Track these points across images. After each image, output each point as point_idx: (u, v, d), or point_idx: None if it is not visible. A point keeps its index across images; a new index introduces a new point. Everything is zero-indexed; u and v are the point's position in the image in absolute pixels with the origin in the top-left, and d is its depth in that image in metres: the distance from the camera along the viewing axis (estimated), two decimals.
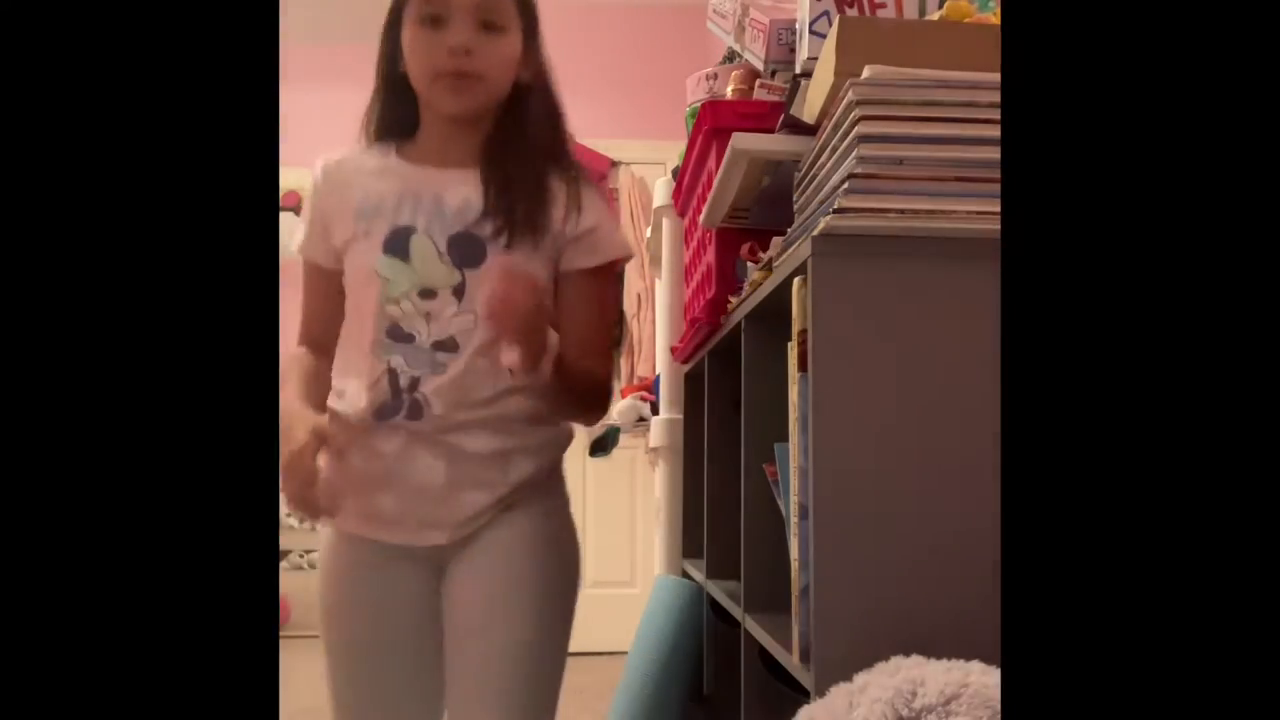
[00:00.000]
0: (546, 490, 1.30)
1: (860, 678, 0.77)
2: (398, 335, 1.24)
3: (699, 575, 1.76)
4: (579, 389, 1.24)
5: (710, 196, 1.51)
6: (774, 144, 1.32)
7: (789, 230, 1.09)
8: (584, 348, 1.25)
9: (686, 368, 2.02)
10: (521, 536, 1.26)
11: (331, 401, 1.30)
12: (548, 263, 1.27)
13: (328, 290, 1.32)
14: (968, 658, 0.77)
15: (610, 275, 1.33)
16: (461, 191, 1.27)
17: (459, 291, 1.24)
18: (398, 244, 1.25)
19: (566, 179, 1.29)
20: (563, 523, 1.32)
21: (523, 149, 1.28)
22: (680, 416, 2.10)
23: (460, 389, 1.22)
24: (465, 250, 1.25)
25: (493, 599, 1.23)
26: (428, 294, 1.24)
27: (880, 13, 1.29)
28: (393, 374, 1.24)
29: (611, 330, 1.38)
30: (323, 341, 1.31)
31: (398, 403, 1.22)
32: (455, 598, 1.25)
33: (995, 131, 0.84)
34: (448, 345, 1.24)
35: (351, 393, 1.25)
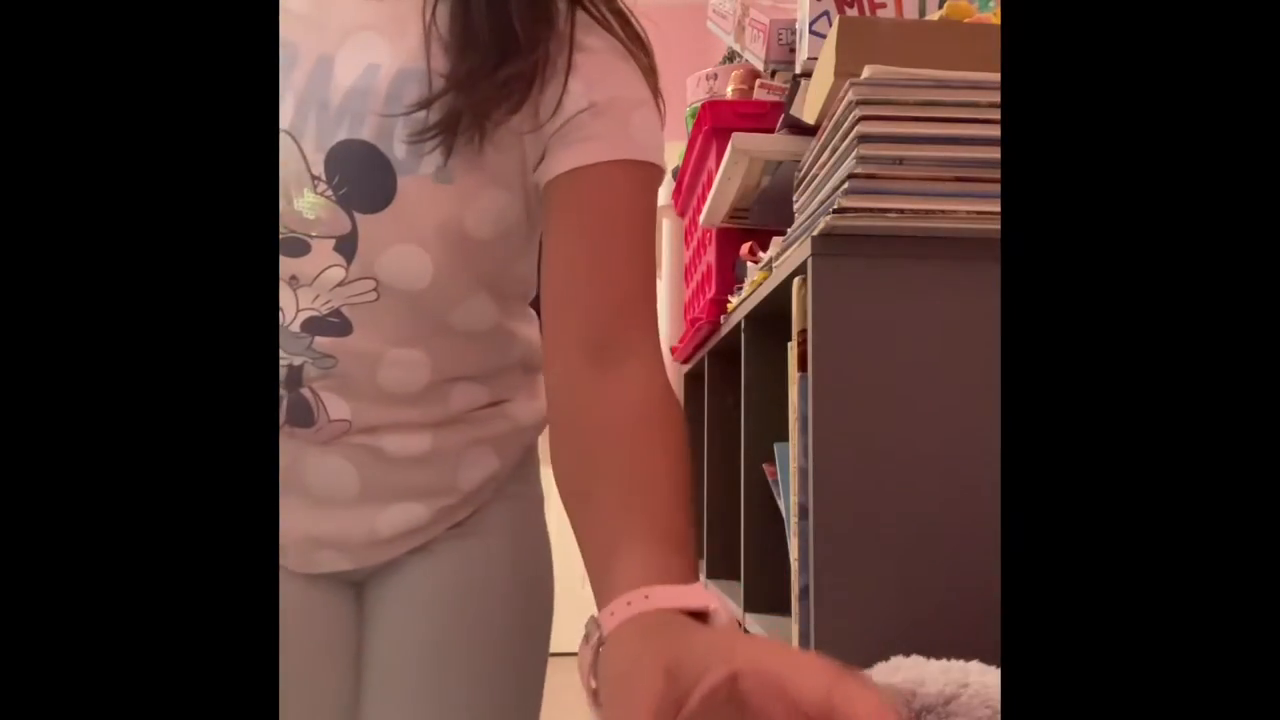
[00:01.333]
0: (518, 493, 0.92)
1: None
2: None
3: (699, 575, 1.76)
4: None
5: (710, 196, 1.51)
6: (774, 144, 1.33)
7: (789, 230, 1.09)
8: (614, 326, 0.72)
9: (686, 368, 2.01)
10: (485, 567, 0.88)
11: None
12: (509, 177, 0.76)
13: None
14: (968, 658, 0.77)
15: (649, 186, 0.77)
16: (367, 50, 0.74)
17: (346, 248, 0.75)
18: None
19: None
20: (537, 540, 0.93)
21: None
22: None
23: (369, 383, 0.80)
24: (359, 175, 0.74)
25: (445, 653, 0.86)
26: (292, 247, 0.75)
27: (880, 13, 1.29)
28: None
29: (653, 291, 0.77)
30: None
31: None
32: (383, 647, 0.87)
33: (995, 131, 0.85)
34: (329, 324, 0.77)
35: None
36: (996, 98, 0.84)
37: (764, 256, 1.29)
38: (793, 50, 1.44)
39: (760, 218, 1.56)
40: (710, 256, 1.65)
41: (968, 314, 0.88)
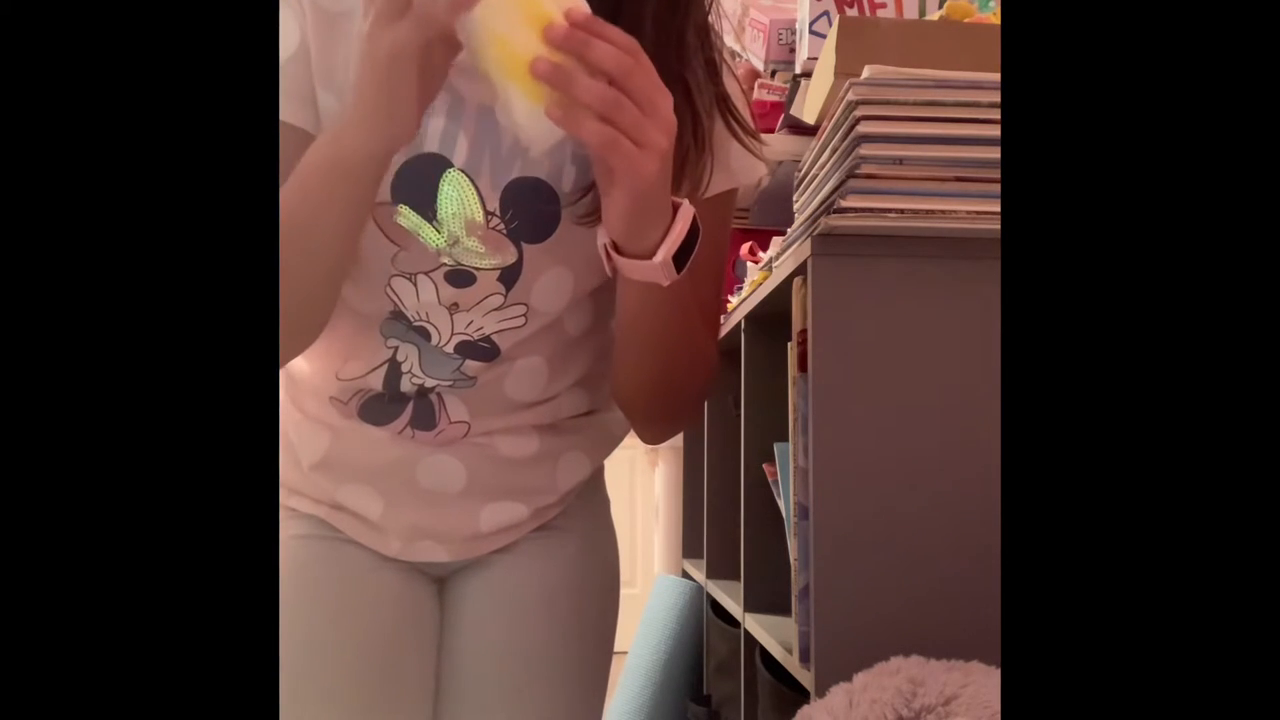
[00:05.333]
0: (592, 498, 1.00)
1: (860, 678, 0.77)
2: (404, 324, 0.83)
3: (699, 575, 1.76)
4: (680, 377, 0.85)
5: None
6: (774, 144, 1.33)
7: (789, 230, 1.09)
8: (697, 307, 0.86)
9: None
10: (565, 567, 0.93)
11: (314, 375, 0.87)
12: None
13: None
14: (968, 658, 0.77)
15: (730, 206, 0.91)
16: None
17: (509, 277, 0.82)
18: (416, 184, 0.77)
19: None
20: (609, 542, 1.01)
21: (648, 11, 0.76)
22: None
23: (497, 393, 0.87)
24: (529, 210, 0.80)
25: (525, 652, 0.91)
26: (458, 278, 0.81)
27: (880, 13, 1.29)
28: (394, 369, 0.85)
29: (723, 286, 0.95)
30: None
31: (397, 404, 0.86)
32: (465, 642, 0.92)
33: (995, 131, 0.84)
34: (480, 349, 0.84)
35: (346, 375, 0.86)
36: (996, 98, 0.84)
37: (764, 256, 1.29)
38: (793, 50, 1.44)
39: (760, 218, 1.57)
40: None
41: (968, 314, 0.87)
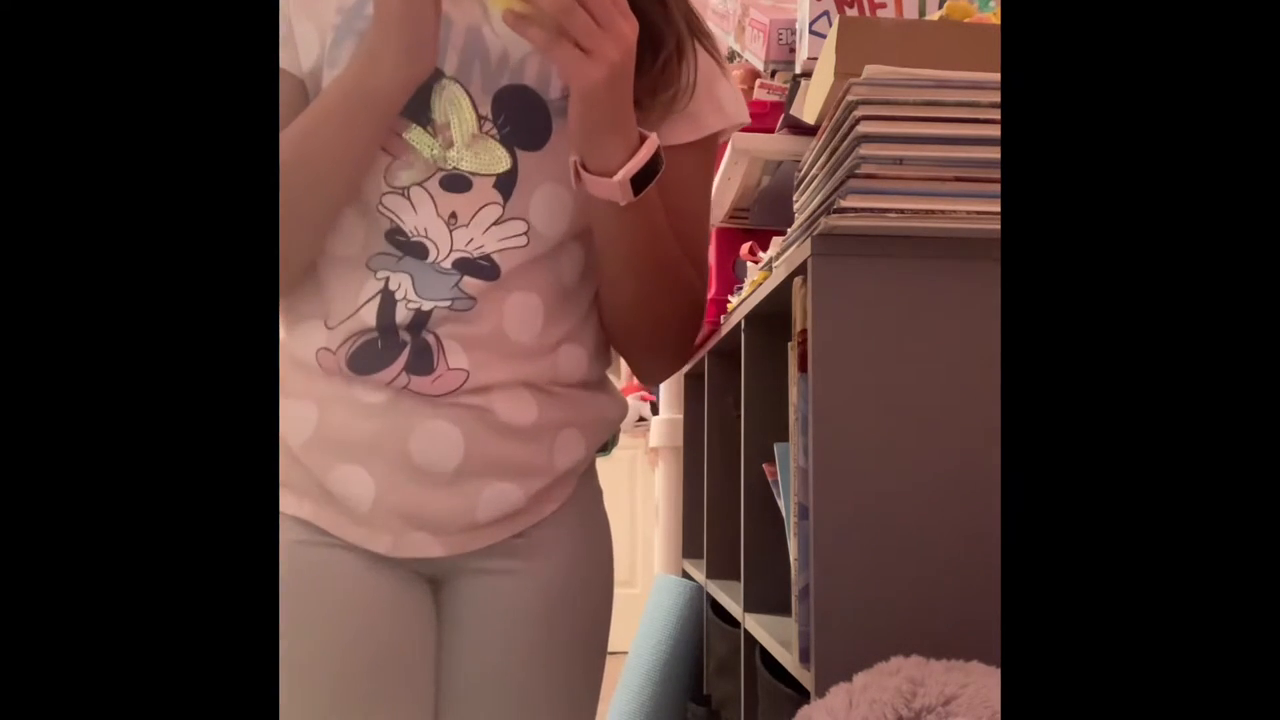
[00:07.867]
0: (586, 491, 0.98)
1: (860, 678, 0.77)
2: (401, 244, 0.83)
3: (699, 575, 1.76)
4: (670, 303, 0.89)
5: (710, 196, 1.51)
6: (774, 144, 1.33)
7: (789, 230, 1.09)
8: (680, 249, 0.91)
9: (686, 368, 2.02)
10: (562, 569, 0.92)
11: (298, 337, 0.85)
12: None
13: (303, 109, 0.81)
14: (968, 658, 0.77)
15: (713, 150, 0.96)
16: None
17: (505, 184, 0.84)
18: (410, 95, 0.81)
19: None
20: (604, 538, 1.00)
21: None
22: (680, 416, 2.10)
23: (497, 333, 0.85)
24: (520, 116, 0.84)
25: (523, 657, 0.90)
26: (455, 183, 0.83)
27: (880, 13, 1.29)
28: (387, 299, 0.82)
29: (708, 227, 1.01)
30: None
31: (392, 347, 0.82)
32: (466, 642, 0.90)
33: (995, 131, 0.84)
34: (479, 267, 0.84)
35: (336, 319, 0.84)
36: (996, 98, 0.84)
37: (764, 256, 1.29)
38: (793, 50, 1.44)
39: (760, 218, 1.57)
40: (710, 256, 1.65)
41: (968, 314, 0.87)
